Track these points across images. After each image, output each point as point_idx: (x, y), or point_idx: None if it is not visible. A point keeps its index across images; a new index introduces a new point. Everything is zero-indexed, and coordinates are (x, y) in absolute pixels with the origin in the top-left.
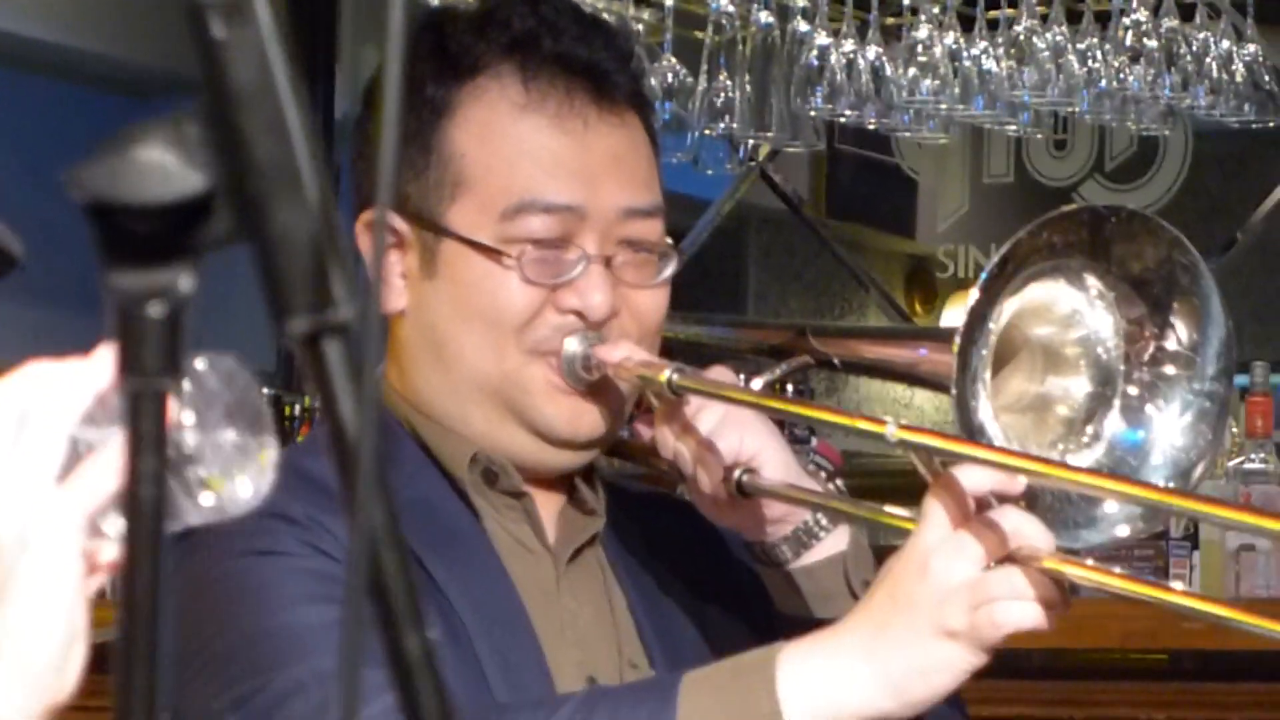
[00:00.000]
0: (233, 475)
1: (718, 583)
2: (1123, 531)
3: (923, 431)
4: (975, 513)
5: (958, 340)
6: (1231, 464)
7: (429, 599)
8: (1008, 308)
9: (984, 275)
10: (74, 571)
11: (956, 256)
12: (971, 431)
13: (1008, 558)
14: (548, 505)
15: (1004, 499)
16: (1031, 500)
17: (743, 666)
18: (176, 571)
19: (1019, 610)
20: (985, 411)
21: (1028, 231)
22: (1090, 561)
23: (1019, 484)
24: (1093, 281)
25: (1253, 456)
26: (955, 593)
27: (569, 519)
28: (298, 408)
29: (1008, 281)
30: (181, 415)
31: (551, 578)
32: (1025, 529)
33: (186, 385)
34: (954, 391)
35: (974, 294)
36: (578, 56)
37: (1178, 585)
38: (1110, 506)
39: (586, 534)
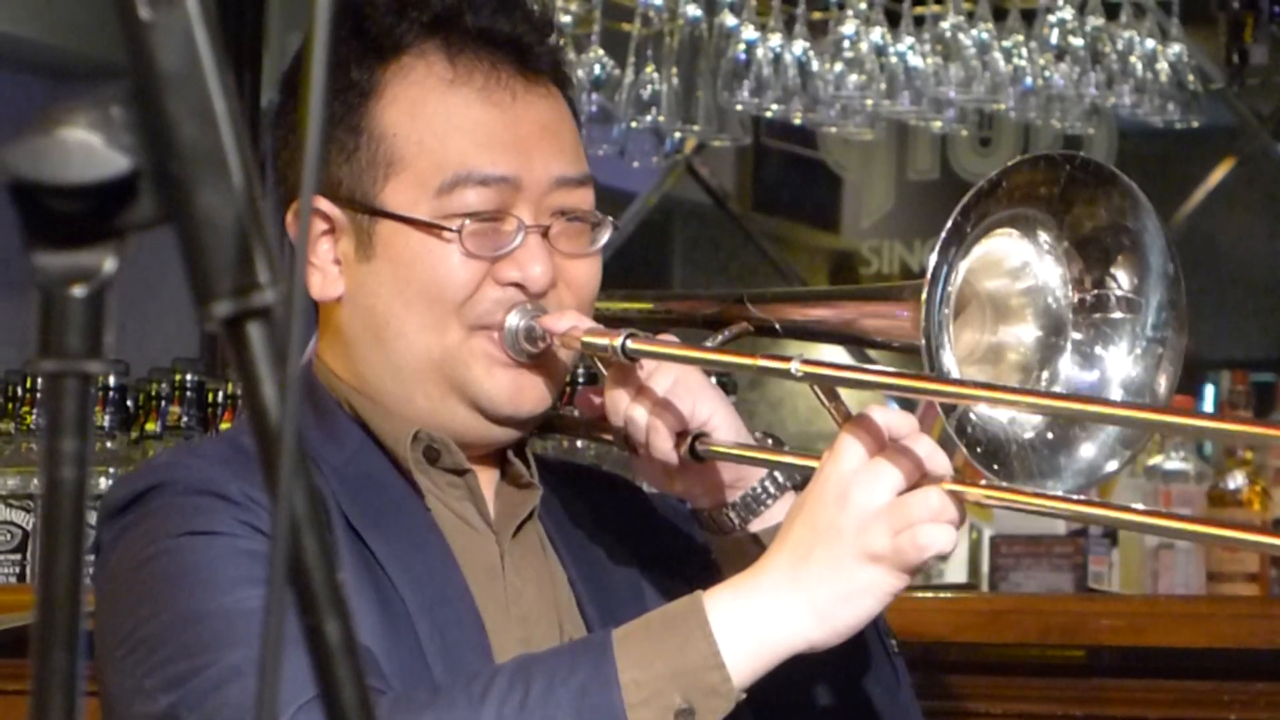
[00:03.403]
0: None
1: (654, 553)
2: (1083, 479)
3: (825, 365)
4: (887, 441)
5: (924, 294)
6: (1151, 463)
7: (371, 580)
8: (964, 262)
9: (946, 228)
10: None
11: (881, 252)
12: None
13: (920, 481)
14: (484, 481)
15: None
16: (996, 449)
17: (672, 614)
18: (112, 548)
19: (940, 532)
20: (950, 363)
21: (992, 178)
22: (984, 481)
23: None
24: (1044, 233)
25: (1172, 455)
26: (876, 517)
27: (507, 494)
28: (221, 394)
29: (968, 232)
30: None
31: (495, 555)
32: (936, 455)
33: None
34: (923, 343)
35: (934, 251)
36: (500, 30)
37: (1059, 494)
38: (1074, 454)
39: (526, 508)
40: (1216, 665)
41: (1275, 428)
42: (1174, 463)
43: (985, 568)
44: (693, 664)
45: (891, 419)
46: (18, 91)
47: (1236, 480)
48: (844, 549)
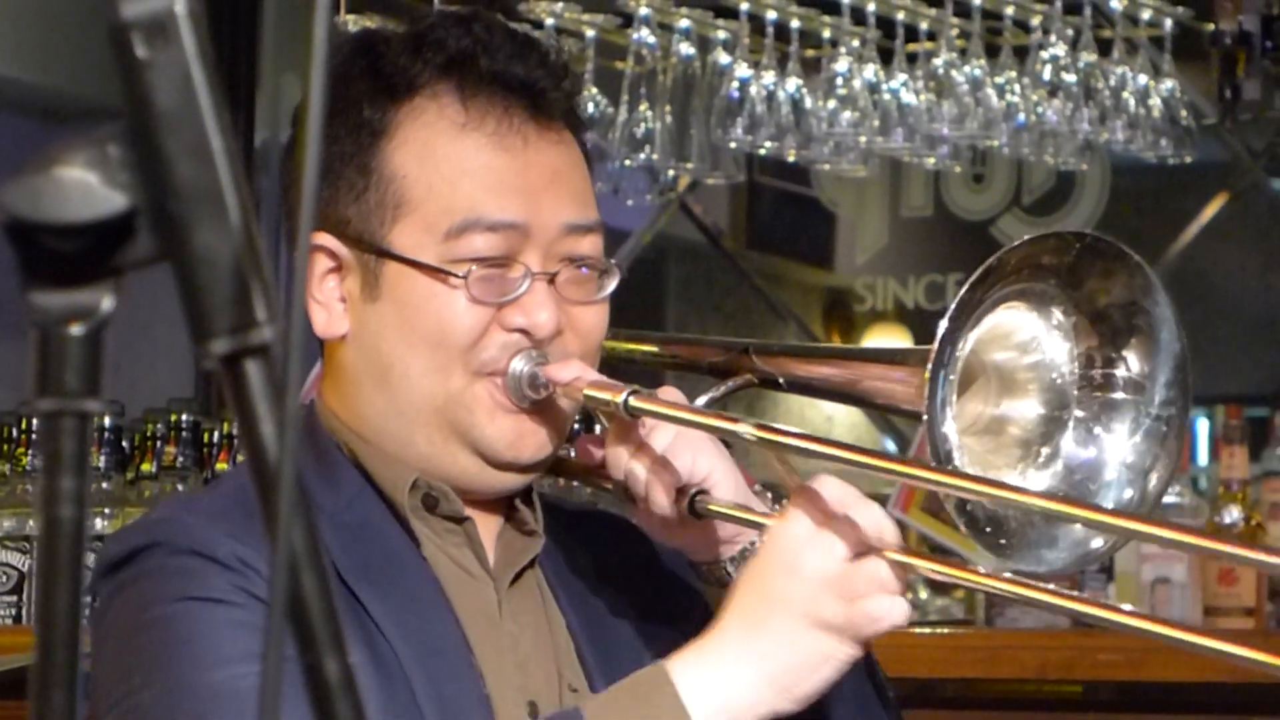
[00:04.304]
0: None
1: (656, 600)
2: (1083, 551)
3: (780, 432)
4: (835, 511)
5: (929, 364)
6: None
7: (362, 634)
8: (973, 333)
9: (956, 299)
10: None
11: (875, 289)
12: (940, 454)
13: (867, 551)
14: (487, 527)
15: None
16: (996, 523)
17: (640, 687)
18: (108, 606)
19: (893, 605)
20: (952, 434)
21: (1002, 254)
22: (929, 553)
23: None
24: (1055, 308)
25: (1169, 490)
26: (826, 586)
27: (509, 541)
28: (216, 434)
29: (979, 304)
30: None
31: (493, 602)
32: (883, 523)
33: None
34: (925, 415)
35: (942, 325)
36: (514, 74)
37: (1007, 575)
38: (1071, 528)
39: (527, 556)
40: (1213, 699)
41: (1263, 551)
42: (1169, 497)
43: (981, 604)
44: None
45: (843, 489)
46: (12, 133)
47: (1232, 515)
48: (797, 619)
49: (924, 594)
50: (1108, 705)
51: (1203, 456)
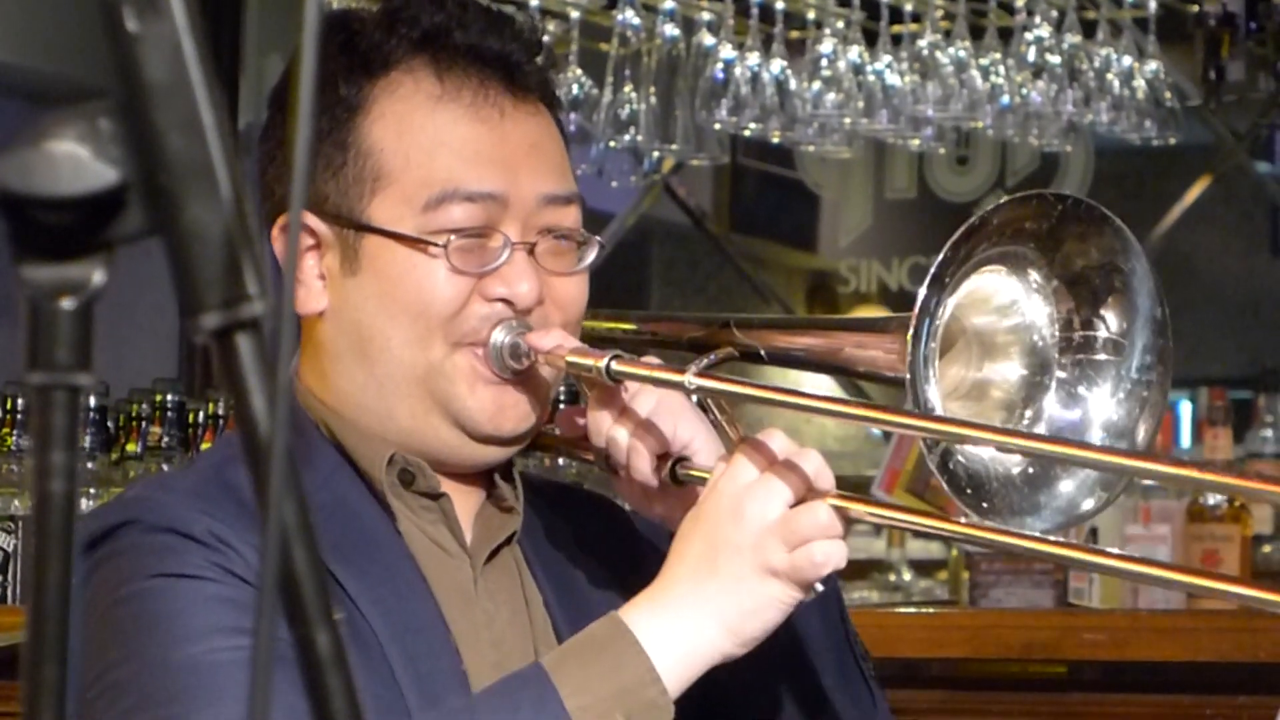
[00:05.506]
0: None
1: (634, 578)
2: (1061, 518)
3: (722, 379)
4: (778, 458)
5: (910, 329)
6: None
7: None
8: (952, 298)
9: (936, 262)
10: None
11: (858, 271)
12: None
13: (809, 496)
14: (466, 503)
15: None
16: (978, 484)
17: (597, 637)
18: (85, 585)
19: (834, 549)
20: (936, 399)
21: (984, 214)
22: (872, 498)
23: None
24: (1033, 271)
25: None
26: (770, 531)
27: (487, 517)
28: (201, 414)
29: (958, 267)
30: None
31: (469, 579)
32: (824, 471)
33: None
34: (908, 376)
35: (924, 285)
36: (489, 48)
37: (963, 520)
38: (1054, 491)
39: (504, 532)
40: (1198, 680)
41: (1255, 480)
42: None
43: (965, 585)
44: (631, 682)
45: (785, 439)
46: (1, 116)
47: (1215, 496)
48: (744, 564)
49: (908, 575)
50: (1092, 685)
51: (1185, 439)
